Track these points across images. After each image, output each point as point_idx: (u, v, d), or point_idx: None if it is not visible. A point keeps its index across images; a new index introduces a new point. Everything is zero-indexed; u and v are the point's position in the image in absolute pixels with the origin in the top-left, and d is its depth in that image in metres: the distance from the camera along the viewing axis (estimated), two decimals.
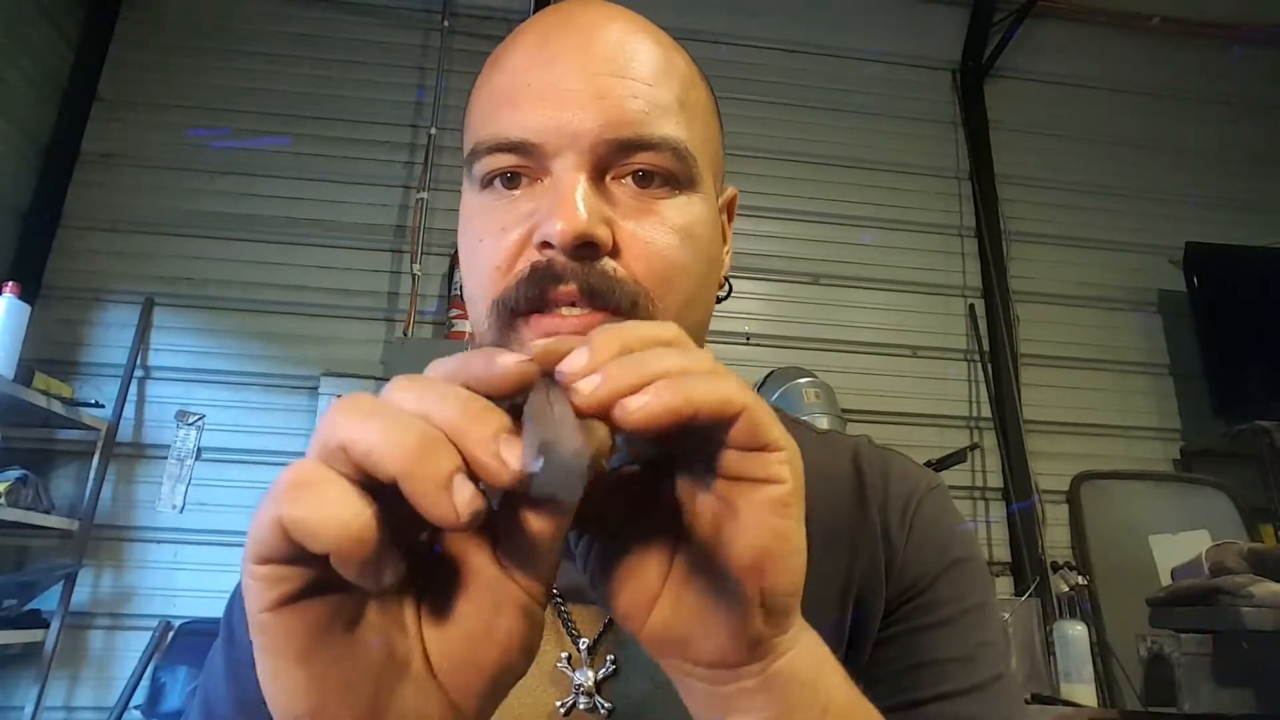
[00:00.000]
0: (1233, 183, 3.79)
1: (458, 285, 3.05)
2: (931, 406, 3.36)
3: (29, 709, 2.52)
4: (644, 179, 0.49)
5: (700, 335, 0.54)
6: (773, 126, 3.56)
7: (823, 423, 2.74)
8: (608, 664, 0.49)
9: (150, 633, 2.65)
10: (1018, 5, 3.64)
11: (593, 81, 0.48)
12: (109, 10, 3.29)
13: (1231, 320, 3.40)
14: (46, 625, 2.60)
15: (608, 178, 0.48)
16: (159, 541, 2.83)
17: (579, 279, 0.46)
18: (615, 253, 0.47)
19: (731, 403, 0.30)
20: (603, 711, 0.48)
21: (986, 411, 3.37)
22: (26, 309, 2.47)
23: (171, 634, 2.62)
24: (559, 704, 0.48)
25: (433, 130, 3.27)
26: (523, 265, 0.47)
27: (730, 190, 0.61)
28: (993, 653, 0.53)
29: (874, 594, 0.52)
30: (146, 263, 3.08)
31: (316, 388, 2.99)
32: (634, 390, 0.29)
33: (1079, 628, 2.39)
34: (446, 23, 3.44)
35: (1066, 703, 2.21)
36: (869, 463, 0.58)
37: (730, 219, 0.61)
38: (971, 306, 3.50)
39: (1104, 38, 3.91)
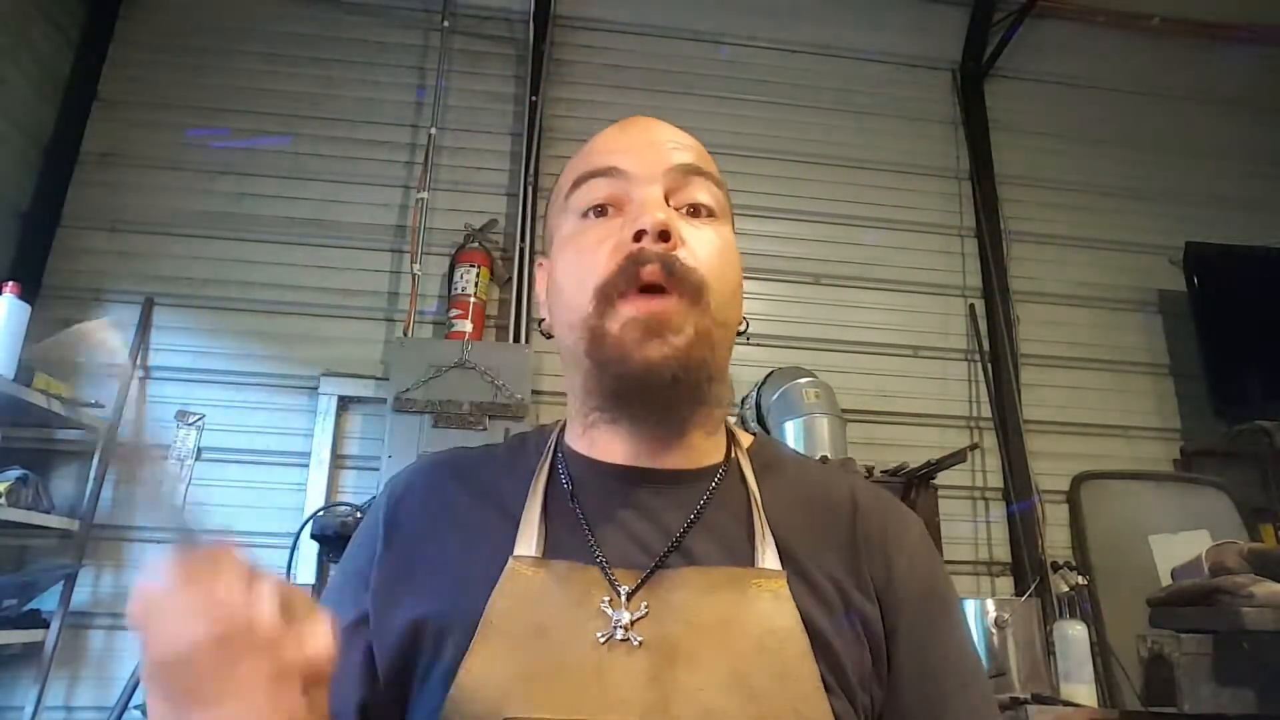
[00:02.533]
0: (1233, 183, 3.80)
1: (457, 285, 3.05)
2: (931, 406, 3.36)
3: (29, 709, 2.53)
4: (694, 213, 0.67)
5: (727, 346, 0.70)
6: (773, 126, 3.57)
7: (823, 422, 2.77)
8: (642, 608, 0.60)
9: None
10: (1018, 5, 3.64)
11: (658, 144, 0.69)
12: (109, 10, 3.29)
13: (1231, 320, 3.40)
14: (46, 625, 2.60)
15: (670, 204, 0.66)
16: (159, 541, 2.81)
17: (662, 260, 0.62)
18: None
19: None
20: (635, 643, 0.59)
21: (986, 411, 3.37)
22: (26, 309, 2.47)
23: None
24: (599, 634, 0.59)
25: (433, 130, 3.27)
26: (619, 256, 0.63)
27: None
28: (980, 665, 0.69)
29: (866, 597, 0.65)
30: (146, 263, 3.08)
31: (316, 388, 2.99)
32: None
33: (1079, 628, 2.39)
34: (446, 23, 3.44)
35: (1066, 703, 2.21)
36: (863, 491, 0.72)
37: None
38: (971, 306, 3.50)
39: (1104, 38, 3.92)
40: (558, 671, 0.58)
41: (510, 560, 0.62)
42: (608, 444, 0.69)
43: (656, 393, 0.63)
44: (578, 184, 0.68)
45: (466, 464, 0.73)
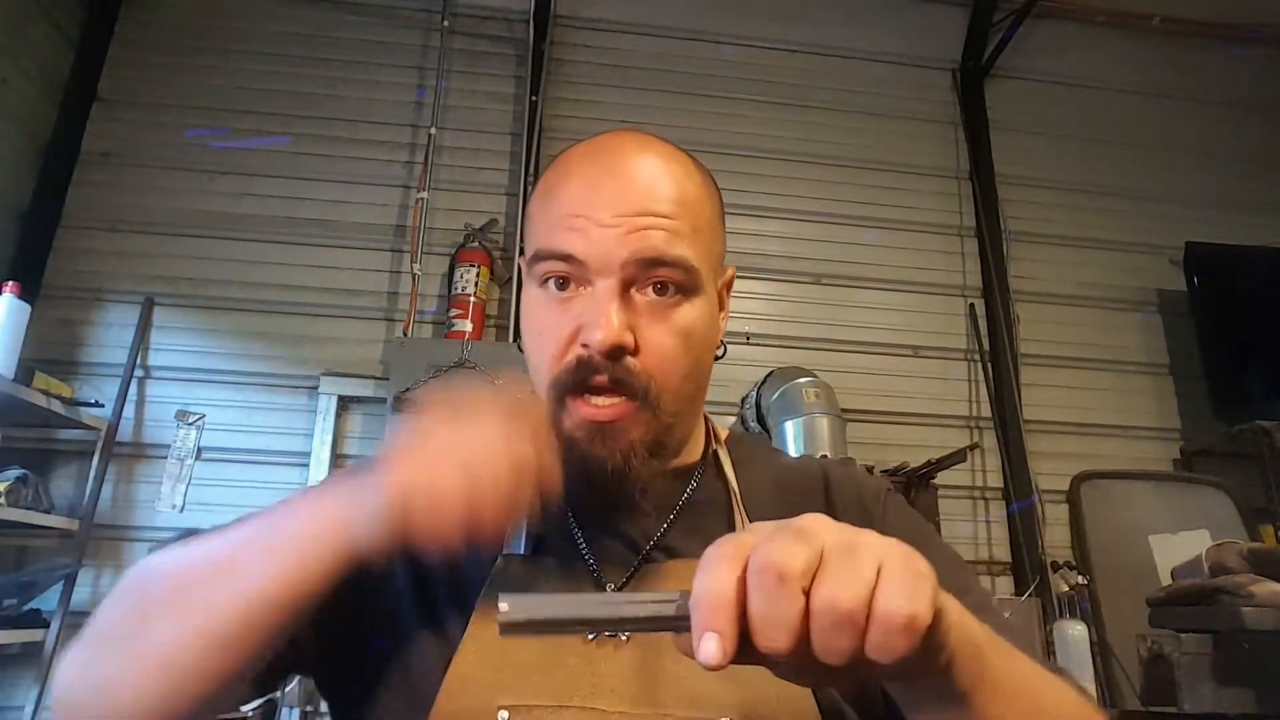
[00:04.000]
0: (1233, 183, 3.79)
1: (457, 285, 3.05)
2: (932, 406, 3.36)
3: (29, 709, 2.52)
4: (661, 290, 0.65)
5: (698, 396, 0.71)
6: (773, 126, 3.56)
7: (823, 422, 2.77)
8: None
9: None
10: (1018, 5, 3.64)
11: (626, 220, 0.64)
12: (109, 10, 3.29)
13: (1231, 320, 3.40)
14: (46, 625, 2.60)
15: (633, 290, 0.64)
16: (159, 541, 2.82)
17: (610, 372, 0.63)
18: (635, 350, 0.63)
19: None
20: (623, 638, 0.62)
21: (986, 411, 3.37)
22: (26, 309, 2.47)
23: None
24: (588, 632, 0.62)
25: (433, 130, 3.27)
26: (571, 355, 0.64)
27: (729, 270, 0.76)
28: (974, 574, 0.70)
29: None
30: (146, 263, 3.08)
31: (316, 388, 2.99)
32: None
33: (1079, 628, 2.39)
34: (446, 23, 3.44)
35: None
36: (833, 465, 0.77)
37: (728, 291, 0.76)
38: (972, 306, 3.50)
39: (1104, 38, 3.92)
40: (549, 664, 0.61)
41: (499, 559, 0.66)
42: None
43: (607, 482, 0.64)
44: (538, 257, 0.66)
45: None
